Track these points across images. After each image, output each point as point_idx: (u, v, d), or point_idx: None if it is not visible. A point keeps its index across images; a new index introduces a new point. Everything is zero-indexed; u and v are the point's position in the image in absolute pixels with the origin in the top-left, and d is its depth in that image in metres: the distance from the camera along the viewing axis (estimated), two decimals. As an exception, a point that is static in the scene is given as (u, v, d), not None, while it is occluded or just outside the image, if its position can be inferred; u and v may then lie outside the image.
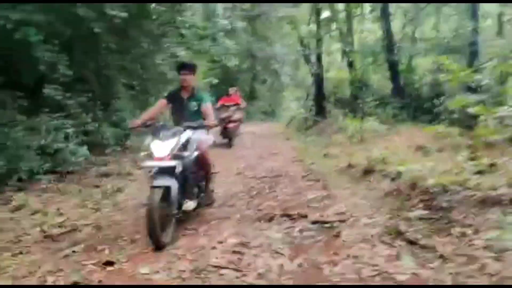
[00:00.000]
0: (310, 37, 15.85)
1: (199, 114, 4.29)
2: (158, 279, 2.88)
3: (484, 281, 2.72)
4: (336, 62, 18.48)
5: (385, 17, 12.36)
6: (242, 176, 6.46)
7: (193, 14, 8.96)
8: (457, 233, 3.68)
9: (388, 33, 12.40)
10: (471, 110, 6.36)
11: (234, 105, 10.44)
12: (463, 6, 11.71)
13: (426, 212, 4.24)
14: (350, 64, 14.88)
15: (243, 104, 11.17)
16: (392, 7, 13.12)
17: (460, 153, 6.23)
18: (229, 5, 15.01)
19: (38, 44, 4.54)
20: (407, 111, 11.69)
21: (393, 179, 5.57)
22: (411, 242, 3.57)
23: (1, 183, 4.48)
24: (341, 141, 9.55)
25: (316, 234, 3.76)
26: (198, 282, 2.81)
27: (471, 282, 2.74)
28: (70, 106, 5.85)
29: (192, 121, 4.07)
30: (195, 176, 4.14)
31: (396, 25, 14.40)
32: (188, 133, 3.95)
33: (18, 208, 4.44)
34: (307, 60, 17.42)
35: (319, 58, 15.15)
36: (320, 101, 14.48)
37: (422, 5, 12.96)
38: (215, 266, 3.00)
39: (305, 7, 16.05)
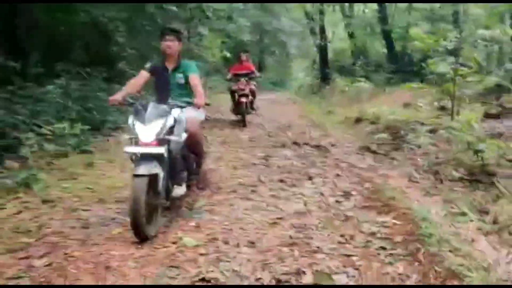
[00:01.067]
0: (314, 10, 17.61)
1: (186, 87, 3.81)
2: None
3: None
4: (339, 33, 20.20)
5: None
6: (261, 126, 8.54)
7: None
8: (407, 148, 5.80)
9: (381, 5, 14.16)
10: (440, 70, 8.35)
11: (247, 74, 8.98)
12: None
13: (390, 138, 6.36)
14: (351, 35, 16.70)
15: (257, 72, 9.57)
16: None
17: (431, 105, 8.27)
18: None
19: (119, 33, 6.56)
20: (400, 75, 13.56)
21: (373, 123, 7.67)
22: (375, 152, 5.70)
23: (98, 129, 6.62)
24: (341, 102, 11.58)
25: (314, 151, 5.90)
26: (245, 168, 4.96)
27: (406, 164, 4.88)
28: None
29: (179, 95, 3.68)
30: (185, 159, 3.75)
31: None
32: (175, 113, 3.44)
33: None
34: (312, 31, 19.21)
35: (322, 30, 16.96)
36: (324, 69, 16.41)
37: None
38: (254, 164, 5.17)
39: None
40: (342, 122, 8.90)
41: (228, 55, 17.91)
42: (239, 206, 3.71)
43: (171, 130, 3.37)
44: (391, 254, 2.74)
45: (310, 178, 4.51)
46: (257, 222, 3.34)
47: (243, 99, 8.51)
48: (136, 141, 3.25)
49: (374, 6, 15.46)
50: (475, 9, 12.22)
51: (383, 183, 4.22)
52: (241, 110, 8.58)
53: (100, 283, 2.43)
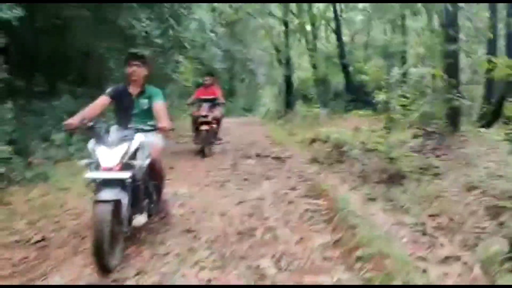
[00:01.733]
0: (281, 42, 19.42)
1: (149, 113, 3.74)
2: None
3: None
4: (304, 64, 22.10)
5: (338, 31, 16.05)
6: (230, 143, 9.83)
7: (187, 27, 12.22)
8: (348, 160, 7.23)
9: (340, 43, 16.09)
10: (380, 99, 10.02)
11: (212, 99, 8.29)
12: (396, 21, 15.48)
13: (335, 153, 7.81)
14: (314, 66, 18.55)
15: (221, 98, 8.56)
16: (344, 23, 16.81)
17: (375, 129, 9.86)
18: (215, 14, 18.41)
19: (111, 59, 7.86)
20: (356, 103, 15.33)
21: (325, 142, 9.14)
22: (321, 163, 7.12)
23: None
24: (302, 125, 13.09)
25: (273, 161, 7.25)
26: (219, 174, 6.24)
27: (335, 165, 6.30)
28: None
29: (142, 120, 3.59)
30: (146, 186, 3.64)
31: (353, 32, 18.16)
32: (139, 137, 3.38)
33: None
34: (279, 62, 20.99)
35: (287, 61, 18.74)
36: (288, 96, 18.09)
37: (370, 18, 16.65)
38: (223, 168, 6.46)
39: (277, 17, 19.56)
40: (300, 141, 10.33)
41: (200, 80, 19.33)
42: (212, 194, 4.99)
43: (134, 155, 3.26)
44: (316, 220, 4.08)
45: (267, 178, 5.85)
46: (225, 203, 4.63)
47: (204, 127, 7.78)
48: (97, 166, 3.10)
49: (335, 41, 17.41)
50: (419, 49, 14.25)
51: (321, 183, 5.60)
52: (201, 139, 7.79)
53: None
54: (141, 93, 3.80)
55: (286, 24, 18.53)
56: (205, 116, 7.86)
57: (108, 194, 2.95)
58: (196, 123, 7.97)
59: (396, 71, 10.71)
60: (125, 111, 3.77)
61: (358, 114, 10.86)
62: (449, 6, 8.26)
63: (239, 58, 24.90)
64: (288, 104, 17.58)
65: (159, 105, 3.73)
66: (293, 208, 4.44)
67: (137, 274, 2.95)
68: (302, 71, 20.77)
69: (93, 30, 7.34)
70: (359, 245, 3.30)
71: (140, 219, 3.46)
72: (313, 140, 9.99)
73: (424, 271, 2.96)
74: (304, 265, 3.11)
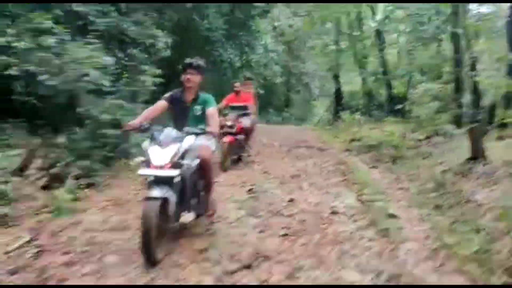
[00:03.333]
0: (332, 59, 22.48)
1: (202, 119, 4.03)
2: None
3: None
4: (354, 78, 24.98)
5: (381, 50, 18.90)
6: (287, 140, 13.02)
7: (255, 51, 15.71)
8: (371, 151, 10.22)
9: (384, 62, 18.93)
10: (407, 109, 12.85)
11: (242, 107, 7.99)
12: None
13: (363, 146, 10.81)
14: (363, 80, 21.43)
15: (252, 107, 8.23)
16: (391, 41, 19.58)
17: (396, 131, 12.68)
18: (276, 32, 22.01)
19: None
20: (394, 112, 18.05)
21: (359, 140, 12.12)
22: (351, 151, 10.17)
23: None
24: (345, 130, 16.06)
25: (317, 151, 10.39)
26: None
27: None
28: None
29: (195, 126, 3.84)
30: (195, 186, 3.91)
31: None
32: (190, 139, 3.65)
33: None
34: (333, 76, 24.06)
35: (337, 76, 21.78)
36: (338, 107, 21.10)
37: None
38: (282, 152, 9.72)
39: (330, 35, 22.69)
40: (341, 141, 13.36)
41: (261, 91, 22.82)
42: (272, 164, 8.27)
43: (183, 155, 3.54)
44: (336, 173, 7.23)
45: (311, 158, 9.03)
46: (284, 167, 7.89)
47: (227, 139, 7.34)
48: (149, 164, 3.40)
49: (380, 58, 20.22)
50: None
51: (347, 161, 8.68)
52: (222, 151, 7.22)
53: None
54: (195, 100, 4.12)
55: (337, 42, 21.64)
56: (231, 127, 7.50)
57: (157, 192, 3.24)
58: (221, 133, 7.14)
59: (420, 87, 13.62)
60: (180, 115, 4.09)
61: (390, 121, 13.82)
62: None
63: (296, 72, 28.15)
64: (336, 113, 20.55)
65: (210, 111, 4.05)
66: (324, 169, 7.62)
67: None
68: (352, 84, 23.63)
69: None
70: (355, 180, 6.45)
71: (187, 217, 3.75)
72: (352, 140, 13.00)
73: (386, 190, 6.03)
74: (325, 186, 6.28)
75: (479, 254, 3.53)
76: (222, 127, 6.99)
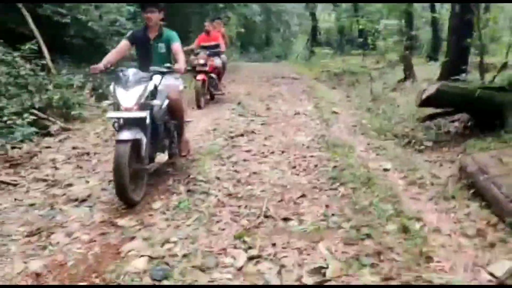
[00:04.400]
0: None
1: (167, 56, 4.08)
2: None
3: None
4: (331, 16, 26.75)
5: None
6: (267, 72, 15.20)
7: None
8: (334, 78, 12.56)
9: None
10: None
11: (213, 46, 8.28)
12: None
13: (328, 75, 13.12)
14: (337, 19, 23.30)
15: (222, 46, 8.57)
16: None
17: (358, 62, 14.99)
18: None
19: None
20: (363, 47, 20.20)
21: (328, 71, 14.40)
22: (318, 79, 12.50)
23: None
24: (318, 63, 18.29)
25: (292, 79, 12.67)
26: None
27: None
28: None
29: (161, 64, 3.78)
30: (167, 126, 3.99)
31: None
32: (156, 79, 3.64)
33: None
34: (310, 14, 25.77)
35: (313, 15, 23.58)
36: (314, 43, 23.11)
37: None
38: (262, 81, 12.00)
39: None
40: (313, 72, 15.62)
41: (242, 30, 24.50)
42: (254, 90, 10.55)
43: (153, 96, 3.58)
44: (302, 94, 9.59)
45: (285, 84, 11.33)
46: (262, 91, 10.19)
47: (200, 76, 7.67)
48: (118, 107, 3.45)
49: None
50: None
51: (313, 85, 11.00)
52: (196, 89, 7.60)
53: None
54: (159, 37, 4.08)
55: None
56: (202, 65, 7.78)
57: (127, 134, 3.25)
58: (194, 72, 7.77)
59: (381, 23, 15.70)
60: (145, 54, 4.11)
61: (356, 53, 16.06)
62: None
63: (275, 10, 29.60)
64: (312, 50, 22.64)
65: (175, 47, 4.03)
66: (295, 91, 9.96)
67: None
68: (327, 22, 25.48)
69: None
70: (316, 96, 8.83)
71: (161, 157, 3.92)
72: (322, 71, 15.30)
73: (337, 102, 8.43)
74: (293, 101, 8.64)
75: (379, 128, 6.00)
76: (194, 66, 7.69)
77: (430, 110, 5.76)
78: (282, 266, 2.52)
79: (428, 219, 3.11)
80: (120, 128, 3.41)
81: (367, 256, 2.57)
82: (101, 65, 3.78)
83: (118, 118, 3.48)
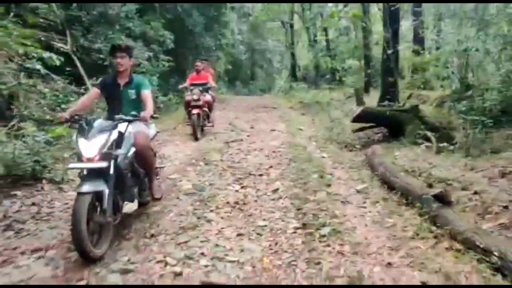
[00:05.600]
0: (289, 38, 27.58)
1: (138, 103, 4.08)
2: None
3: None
4: (307, 54, 30.23)
5: (326, 33, 24.16)
6: (251, 103, 18.10)
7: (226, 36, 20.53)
8: (305, 107, 15.59)
9: (327, 41, 24.21)
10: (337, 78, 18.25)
11: (203, 84, 9.27)
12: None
13: (304, 106, 16.14)
14: (314, 56, 26.68)
15: (212, 83, 9.59)
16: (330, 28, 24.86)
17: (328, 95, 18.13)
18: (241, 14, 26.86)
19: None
20: (334, 82, 23.48)
21: (300, 102, 17.44)
22: (293, 109, 15.49)
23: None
24: (295, 96, 21.39)
25: (272, 109, 15.62)
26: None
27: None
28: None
29: (130, 110, 3.84)
30: (134, 175, 3.97)
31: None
32: (121, 127, 3.63)
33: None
34: (291, 53, 29.24)
35: (292, 54, 27.01)
36: (293, 78, 26.42)
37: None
38: (248, 110, 14.92)
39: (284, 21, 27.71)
40: (289, 103, 18.63)
41: (230, 67, 27.70)
42: (240, 115, 13.45)
43: (118, 145, 3.56)
44: (277, 118, 12.49)
45: (266, 112, 14.23)
46: (246, 118, 13.08)
47: (195, 111, 8.65)
48: (79, 157, 3.37)
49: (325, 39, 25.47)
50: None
51: (287, 112, 13.92)
52: (192, 122, 8.58)
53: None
54: (129, 83, 4.14)
55: (291, 25, 26.76)
56: (196, 100, 8.82)
57: (87, 186, 3.22)
58: (188, 107, 8.91)
59: (347, 62, 19.01)
60: (115, 101, 4.15)
61: (327, 88, 19.24)
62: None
63: (259, 49, 33.10)
64: (290, 85, 25.92)
65: (144, 94, 4.06)
66: (273, 115, 12.85)
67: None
68: (305, 60, 28.95)
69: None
70: (288, 120, 11.73)
71: (129, 207, 3.87)
72: (297, 102, 18.36)
73: (303, 123, 11.33)
74: (270, 122, 11.49)
75: (327, 138, 8.84)
76: (189, 102, 8.86)
77: (360, 125, 8.67)
78: (258, 189, 5.26)
79: (337, 175, 5.90)
80: (82, 180, 3.38)
81: (299, 185, 5.33)
82: (66, 114, 3.76)
83: (80, 169, 3.46)
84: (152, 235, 3.83)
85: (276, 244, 3.65)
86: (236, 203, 4.75)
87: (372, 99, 13.34)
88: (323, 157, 7.12)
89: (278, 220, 4.23)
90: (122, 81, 4.19)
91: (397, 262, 3.27)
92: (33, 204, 4.65)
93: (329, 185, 5.33)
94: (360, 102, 12.50)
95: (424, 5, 14.75)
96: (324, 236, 3.73)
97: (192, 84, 9.36)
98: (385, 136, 8.59)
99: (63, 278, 3.10)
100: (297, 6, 26.12)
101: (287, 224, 4.10)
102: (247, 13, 28.43)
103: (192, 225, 4.07)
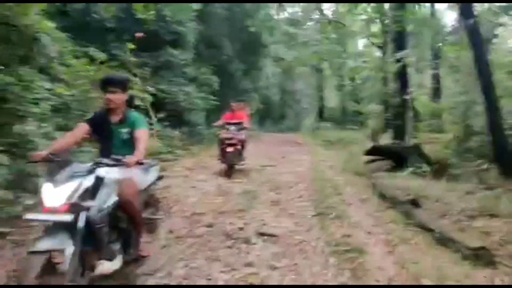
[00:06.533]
0: (318, 81, 30.16)
1: (132, 144, 3.49)
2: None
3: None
4: (334, 96, 32.67)
5: (352, 79, 26.56)
6: (282, 138, 20.37)
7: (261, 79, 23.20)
8: (334, 145, 17.76)
9: (354, 86, 26.57)
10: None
11: (238, 123, 9.53)
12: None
13: (329, 143, 18.32)
14: (341, 99, 29.09)
15: (247, 123, 9.74)
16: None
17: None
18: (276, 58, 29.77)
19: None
20: (357, 123, 25.61)
21: (328, 140, 19.61)
22: (320, 145, 17.68)
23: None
24: (320, 134, 23.60)
25: (299, 146, 17.84)
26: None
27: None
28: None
29: (122, 152, 3.34)
30: (117, 229, 3.38)
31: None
32: (101, 172, 3.13)
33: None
34: (319, 96, 31.78)
35: (321, 96, 29.51)
36: (320, 118, 28.78)
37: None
38: (278, 143, 17.19)
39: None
40: (316, 140, 20.83)
41: (262, 106, 30.32)
42: (271, 150, 15.73)
43: (93, 193, 3.06)
44: (305, 153, 14.68)
45: (293, 147, 16.46)
46: (276, 152, 15.35)
47: (230, 149, 8.98)
48: (41, 206, 2.84)
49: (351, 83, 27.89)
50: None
51: (314, 148, 16.09)
52: (227, 159, 9.03)
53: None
54: (122, 121, 3.64)
55: (320, 70, 29.41)
56: (231, 139, 9.11)
57: (44, 243, 2.75)
58: (223, 145, 9.17)
59: (369, 107, 21.19)
60: (105, 140, 3.65)
61: (351, 128, 21.41)
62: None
63: (289, 90, 35.80)
64: (318, 124, 28.24)
65: (138, 133, 3.55)
66: (301, 149, 15.06)
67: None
68: (332, 102, 31.38)
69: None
70: (315, 154, 13.89)
71: (106, 267, 3.17)
72: (324, 140, 20.57)
73: (328, 156, 13.46)
74: (299, 157, 13.67)
75: (343, 167, 10.95)
76: (223, 140, 9.18)
77: (371, 158, 10.77)
78: (288, 195, 7.41)
79: (346, 190, 7.98)
80: (42, 234, 2.94)
81: (318, 194, 7.45)
82: (44, 152, 3.23)
83: (40, 221, 2.96)
84: (221, 212, 6.03)
85: (300, 223, 5.77)
86: (273, 201, 6.91)
87: (387, 139, 15.44)
88: (338, 179, 9.23)
89: (302, 211, 6.35)
90: (114, 119, 3.68)
91: (375, 231, 5.34)
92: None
93: (339, 194, 7.43)
94: (374, 140, 14.64)
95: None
96: (331, 218, 5.84)
97: (227, 123, 9.65)
98: (391, 166, 10.63)
99: None
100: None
101: (307, 212, 6.22)
102: (280, 58, 31.33)
103: (246, 204, 6.32)
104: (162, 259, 4.13)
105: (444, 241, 5.10)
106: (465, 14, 7.62)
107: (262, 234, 5.07)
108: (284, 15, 23.37)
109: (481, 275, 4.33)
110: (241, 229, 5.27)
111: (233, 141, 9.10)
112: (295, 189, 7.93)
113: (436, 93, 18.97)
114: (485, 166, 8.09)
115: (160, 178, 4.37)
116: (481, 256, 4.64)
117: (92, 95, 7.79)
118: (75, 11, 11.50)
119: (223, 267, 4.02)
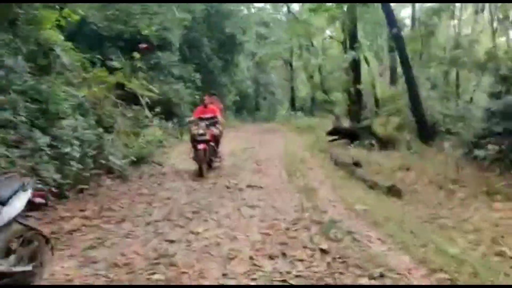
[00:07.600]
0: (288, 75, 32.72)
1: None
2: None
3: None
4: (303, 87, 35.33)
5: (320, 70, 29.25)
6: (257, 128, 22.85)
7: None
8: (299, 130, 20.38)
9: (321, 76, 29.34)
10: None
11: (211, 118, 9.02)
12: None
13: (299, 129, 20.95)
14: (312, 88, 31.73)
15: (220, 116, 9.36)
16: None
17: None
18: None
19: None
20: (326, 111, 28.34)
21: (297, 127, 22.21)
22: (291, 131, 20.29)
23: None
24: (292, 122, 26.19)
25: (274, 131, 20.37)
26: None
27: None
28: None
29: None
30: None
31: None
32: None
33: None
34: (290, 87, 34.36)
35: (292, 87, 32.12)
36: (292, 108, 31.41)
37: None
38: (253, 133, 19.72)
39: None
40: (288, 128, 23.37)
41: (238, 98, 32.67)
42: (249, 137, 18.23)
43: None
44: (278, 139, 17.24)
45: (268, 134, 18.99)
46: (253, 139, 17.86)
47: (201, 146, 8.38)
48: None
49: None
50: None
51: (286, 134, 18.65)
52: (198, 157, 8.36)
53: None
54: None
55: (291, 64, 32.01)
56: (202, 135, 8.51)
57: None
58: (194, 141, 8.57)
59: (335, 95, 23.85)
60: None
61: (320, 115, 24.06)
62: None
63: (263, 83, 38.27)
64: (290, 113, 30.84)
65: None
66: (275, 135, 17.60)
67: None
68: (302, 92, 34.07)
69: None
70: (286, 139, 16.47)
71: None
72: (295, 127, 23.14)
73: (297, 141, 16.04)
74: (273, 141, 16.20)
75: (310, 146, 13.53)
76: (194, 136, 8.58)
77: (333, 138, 13.40)
78: (266, 165, 9.91)
79: (310, 161, 10.54)
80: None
81: (289, 163, 9.99)
82: None
83: None
84: (219, 175, 8.49)
85: (276, 180, 8.26)
86: (256, 170, 9.38)
87: (348, 123, 18.15)
88: (305, 154, 11.79)
89: (277, 174, 8.85)
90: None
91: (327, 182, 7.92)
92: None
93: (304, 163, 10.00)
94: (336, 123, 17.28)
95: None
96: (297, 177, 8.38)
97: (199, 118, 9.04)
98: (347, 143, 13.30)
99: None
100: (296, 48, 31.45)
101: (281, 174, 8.75)
102: (253, 53, 33.78)
103: (236, 172, 8.80)
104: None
105: (372, 186, 7.73)
106: (390, 24, 10.24)
107: (250, 186, 7.57)
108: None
109: (391, 201, 6.96)
110: (236, 184, 7.73)
111: (205, 137, 8.56)
112: (271, 162, 10.44)
113: (393, 80, 21.74)
114: (412, 138, 10.86)
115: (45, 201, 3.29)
116: (393, 191, 7.30)
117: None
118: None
119: (228, 201, 6.49)
